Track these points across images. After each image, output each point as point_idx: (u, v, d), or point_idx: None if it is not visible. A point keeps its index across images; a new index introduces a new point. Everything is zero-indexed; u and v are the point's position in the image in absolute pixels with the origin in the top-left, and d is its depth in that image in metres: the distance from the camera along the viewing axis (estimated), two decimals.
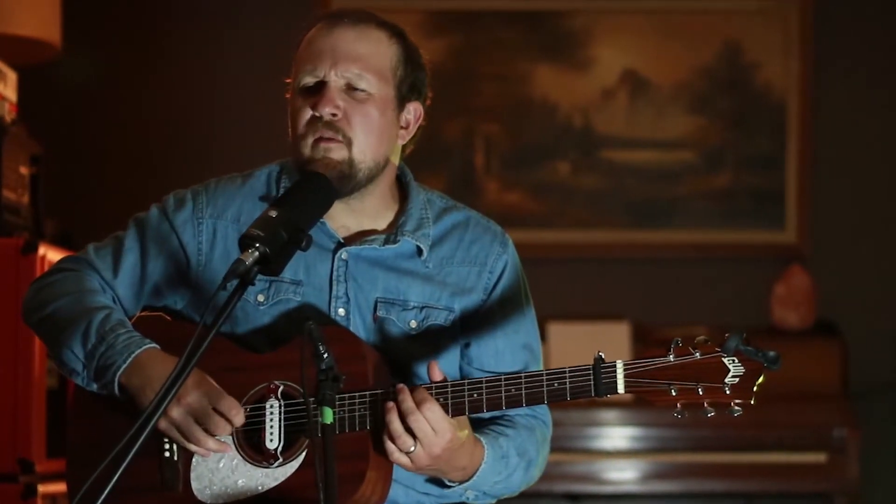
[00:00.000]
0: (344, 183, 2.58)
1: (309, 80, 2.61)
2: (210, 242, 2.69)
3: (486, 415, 2.61)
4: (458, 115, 5.85)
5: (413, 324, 2.64)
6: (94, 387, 2.59)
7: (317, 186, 2.53)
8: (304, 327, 2.28)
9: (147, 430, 2.21)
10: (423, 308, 2.65)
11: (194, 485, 2.54)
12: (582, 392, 2.45)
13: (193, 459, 2.54)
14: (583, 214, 5.90)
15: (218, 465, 2.53)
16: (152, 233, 2.71)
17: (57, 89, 5.67)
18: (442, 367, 2.52)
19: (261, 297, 2.63)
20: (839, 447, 5.27)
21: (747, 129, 5.89)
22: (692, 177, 5.89)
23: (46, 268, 3.84)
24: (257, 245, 2.33)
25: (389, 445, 2.43)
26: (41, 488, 3.93)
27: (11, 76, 4.33)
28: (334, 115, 2.57)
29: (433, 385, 2.47)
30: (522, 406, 2.50)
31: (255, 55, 5.68)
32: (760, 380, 2.39)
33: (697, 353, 2.41)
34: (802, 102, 5.83)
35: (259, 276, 2.36)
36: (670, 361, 2.42)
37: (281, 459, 2.50)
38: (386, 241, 2.65)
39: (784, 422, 5.27)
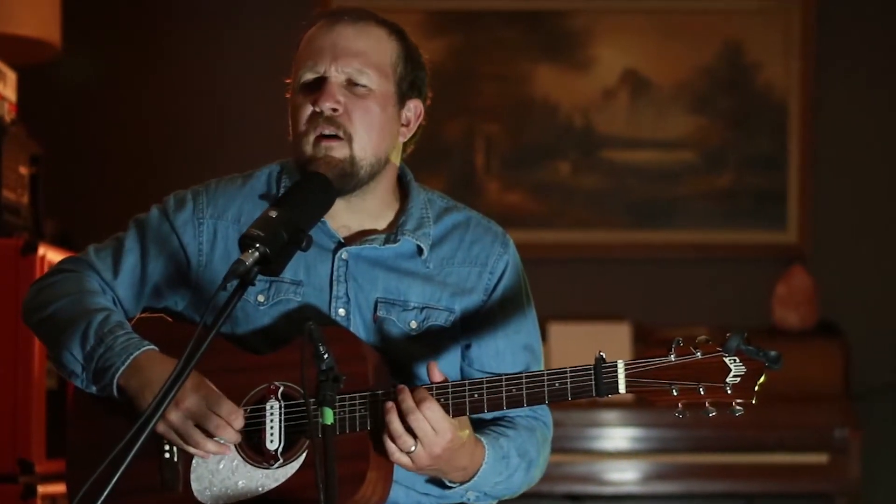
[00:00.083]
0: (346, 181, 2.58)
1: (309, 76, 2.61)
2: (210, 243, 2.68)
3: (488, 415, 2.61)
4: (458, 115, 5.85)
5: (413, 324, 2.64)
6: (94, 389, 2.59)
7: (317, 186, 2.53)
8: (305, 328, 2.28)
9: (146, 432, 2.20)
10: (423, 308, 2.65)
11: (194, 486, 2.54)
12: (583, 392, 2.45)
13: (193, 460, 2.54)
14: (583, 214, 5.90)
15: (218, 467, 2.53)
16: (153, 233, 2.71)
17: (57, 89, 5.67)
18: (442, 368, 2.52)
19: (261, 298, 2.63)
20: (840, 448, 5.26)
21: (748, 129, 5.89)
22: (693, 177, 5.89)
23: (46, 268, 3.87)
24: (257, 245, 2.33)
25: (390, 445, 2.43)
26: (41, 489, 3.93)
27: (11, 76, 4.33)
28: (335, 109, 2.57)
29: (434, 386, 2.47)
30: (523, 406, 2.49)
31: (255, 55, 5.68)
32: (762, 379, 2.39)
33: (699, 353, 2.41)
34: (803, 102, 5.82)
35: (259, 277, 2.36)
36: (671, 361, 2.41)
37: (281, 460, 2.50)
38: (386, 241, 2.65)
39: (785, 422, 5.26)
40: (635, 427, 5.33)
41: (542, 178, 5.89)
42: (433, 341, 2.65)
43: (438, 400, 2.44)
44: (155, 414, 2.23)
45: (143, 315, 2.71)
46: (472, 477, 2.55)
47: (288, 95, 2.67)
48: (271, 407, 2.51)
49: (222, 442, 2.50)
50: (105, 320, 2.58)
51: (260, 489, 2.50)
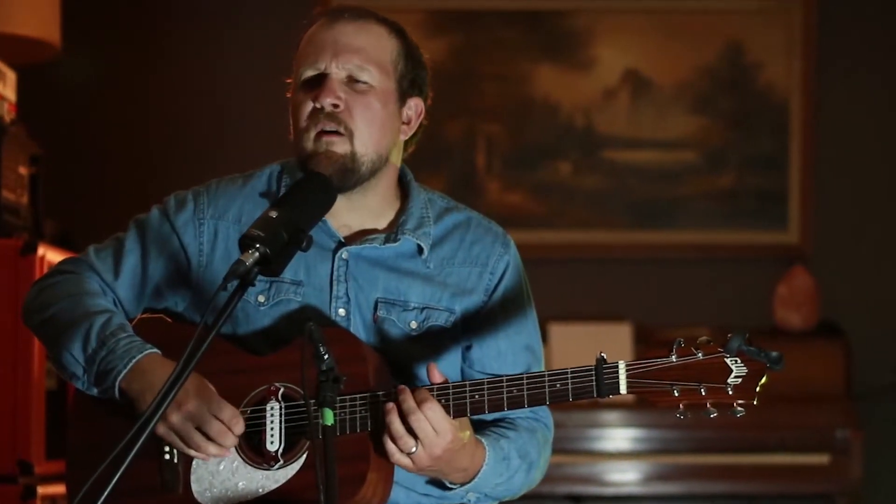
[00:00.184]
0: (347, 177, 2.58)
1: (310, 73, 2.61)
2: (211, 243, 2.68)
3: (488, 416, 2.61)
4: (459, 115, 5.85)
5: (413, 325, 2.64)
6: (95, 391, 2.58)
7: (317, 186, 2.53)
8: (305, 328, 2.27)
9: (146, 432, 2.20)
10: (423, 309, 2.64)
11: (194, 487, 2.54)
12: (584, 393, 2.45)
13: (193, 462, 2.54)
14: (584, 215, 5.89)
15: (218, 468, 2.53)
16: (153, 234, 2.71)
17: (56, 89, 5.66)
18: (443, 369, 2.51)
19: (261, 298, 2.63)
20: (842, 448, 5.26)
21: (749, 130, 5.88)
22: (694, 177, 5.88)
23: (46, 269, 3.87)
24: (258, 246, 2.33)
25: (390, 446, 2.43)
26: (40, 490, 3.93)
27: (11, 76, 4.33)
28: (336, 105, 2.57)
29: (434, 386, 2.47)
30: (524, 407, 2.49)
31: (255, 55, 5.68)
32: (763, 380, 2.39)
33: (700, 354, 2.40)
34: (805, 102, 5.82)
35: (259, 277, 2.35)
36: (673, 362, 2.41)
37: (281, 461, 2.50)
38: (386, 240, 2.65)
39: (786, 423, 5.26)
40: (636, 428, 5.33)
41: (542, 178, 5.89)
42: (433, 342, 2.64)
43: (439, 401, 2.43)
44: (155, 414, 2.22)
45: (143, 316, 2.71)
46: (473, 478, 2.55)
47: (289, 95, 2.66)
48: (271, 408, 2.51)
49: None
50: (107, 323, 2.58)
51: (260, 490, 2.50)
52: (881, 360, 5.72)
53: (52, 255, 4.00)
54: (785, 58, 5.84)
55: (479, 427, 2.60)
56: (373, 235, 2.65)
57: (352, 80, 2.60)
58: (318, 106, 2.58)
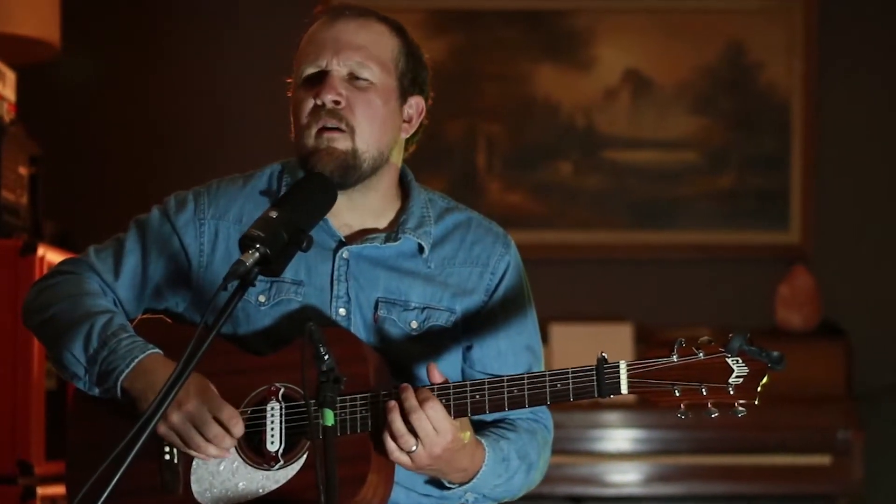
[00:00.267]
0: (348, 173, 2.58)
1: (311, 70, 2.61)
2: (212, 243, 2.68)
3: (489, 417, 2.60)
4: (459, 114, 5.84)
5: (414, 324, 2.63)
6: (96, 391, 2.58)
7: (318, 186, 2.53)
8: (305, 329, 2.27)
9: (146, 432, 2.20)
10: (424, 309, 2.64)
11: (194, 487, 2.53)
12: (585, 392, 2.44)
13: (194, 462, 2.54)
14: (585, 215, 5.89)
15: (218, 468, 2.52)
16: (153, 234, 2.71)
17: (56, 89, 5.66)
18: (443, 370, 2.51)
19: (262, 298, 2.62)
20: (843, 449, 5.26)
21: (750, 129, 5.88)
22: (695, 177, 5.88)
23: (45, 269, 3.87)
24: (258, 246, 2.33)
25: (390, 444, 2.42)
26: (40, 490, 3.93)
27: (10, 76, 4.33)
28: (337, 102, 2.57)
29: (435, 386, 2.46)
30: (525, 407, 2.49)
31: (255, 55, 5.68)
32: (764, 380, 2.39)
33: (701, 354, 2.40)
34: (806, 102, 5.82)
35: (260, 277, 2.35)
36: (674, 362, 2.41)
37: (282, 462, 2.49)
38: (387, 239, 2.64)
39: (788, 424, 5.26)
40: (637, 428, 5.33)
41: (543, 178, 5.89)
42: (434, 342, 2.64)
43: (440, 400, 2.43)
44: (156, 414, 2.22)
45: (143, 316, 2.71)
46: (472, 478, 2.54)
47: (289, 94, 2.66)
48: (272, 408, 2.51)
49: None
50: (108, 323, 2.58)
51: (260, 491, 2.49)
52: (882, 360, 5.72)
53: (51, 256, 4.00)
54: (786, 57, 5.84)
55: (479, 428, 2.60)
56: (373, 235, 2.65)
57: (353, 77, 2.59)
58: (319, 103, 2.57)
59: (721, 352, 2.39)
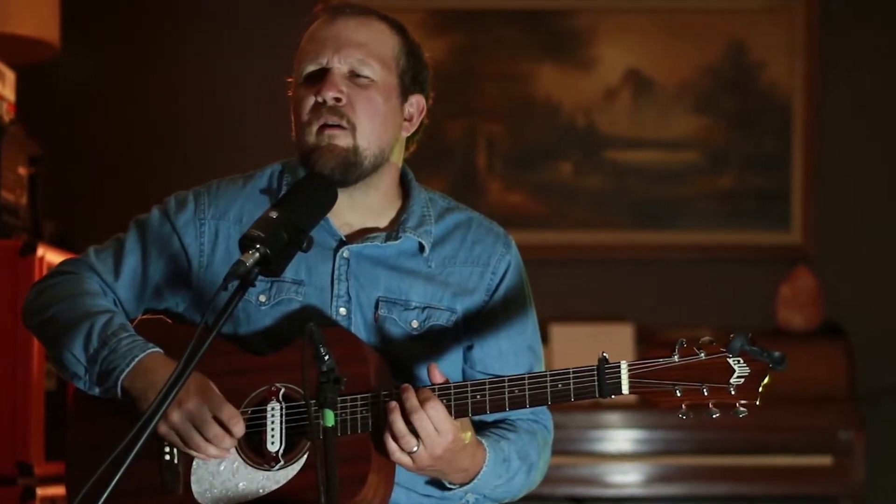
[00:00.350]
0: (349, 171, 2.58)
1: (312, 68, 2.61)
2: (212, 244, 2.68)
3: (490, 417, 2.60)
4: (460, 114, 5.84)
5: (415, 324, 2.63)
6: (97, 391, 2.58)
7: (318, 186, 2.53)
8: (305, 329, 2.27)
9: (147, 432, 2.20)
10: (424, 308, 2.64)
11: (195, 488, 2.53)
12: (586, 393, 2.44)
13: (194, 462, 2.53)
14: (586, 215, 5.89)
15: (219, 468, 2.52)
16: (153, 234, 2.70)
17: (56, 89, 5.66)
18: (444, 370, 2.51)
19: (262, 298, 2.62)
20: (845, 450, 5.25)
21: (752, 129, 5.88)
22: (696, 177, 5.88)
23: (45, 269, 3.87)
24: (258, 246, 2.33)
25: (391, 444, 2.42)
26: (40, 491, 3.93)
27: (10, 76, 4.32)
28: (338, 99, 2.57)
29: (436, 386, 2.46)
30: (526, 407, 2.49)
31: (255, 55, 5.68)
32: (766, 380, 2.39)
33: (702, 354, 2.40)
34: (807, 102, 5.82)
35: (260, 277, 2.35)
36: (675, 362, 2.41)
37: (282, 462, 2.49)
38: (388, 238, 2.64)
39: (789, 424, 5.26)
40: (638, 429, 5.33)
41: (544, 178, 5.89)
42: (434, 342, 2.64)
43: (441, 401, 2.42)
44: (156, 413, 2.22)
45: (143, 317, 2.71)
46: (473, 479, 2.54)
47: (290, 93, 2.66)
48: (272, 408, 2.50)
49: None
50: (108, 322, 2.58)
51: (261, 491, 2.49)
52: (884, 361, 5.71)
53: (51, 256, 4.00)
54: (787, 57, 5.84)
55: (480, 428, 2.60)
56: (374, 234, 2.65)
57: (354, 75, 2.60)
58: (320, 100, 2.57)
59: (722, 352, 2.39)
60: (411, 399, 2.41)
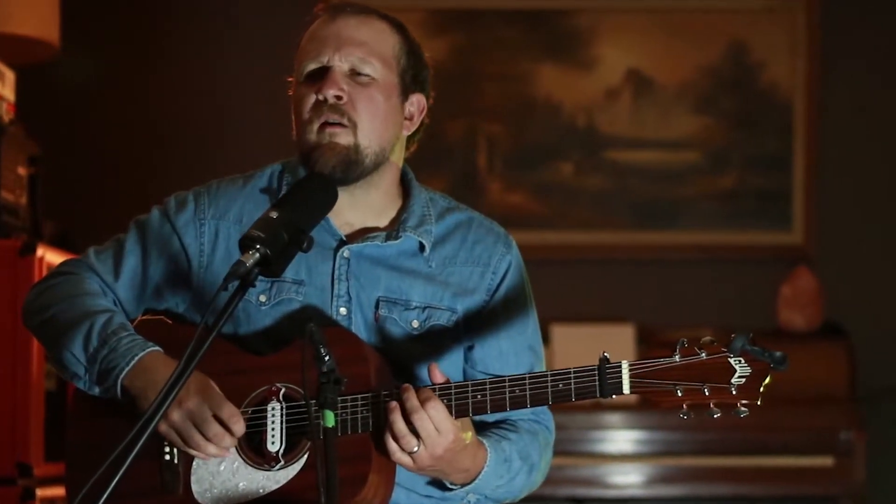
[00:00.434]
0: (350, 169, 2.58)
1: (313, 66, 2.61)
2: (212, 244, 2.68)
3: (490, 417, 2.60)
4: (460, 114, 5.84)
5: (415, 324, 2.63)
6: (97, 390, 2.58)
7: (318, 186, 2.53)
8: (305, 329, 2.26)
9: (147, 432, 2.19)
10: (425, 308, 2.64)
11: (195, 488, 2.53)
12: (587, 392, 2.44)
13: (194, 462, 2.53)
14: (586, 215, 5.89)
15: (219, 468, 2.52)
16: (153, 235, 2.70)
17: (55, 89, 5.66)
18: (444, 370, 2.51)
19: (263, 298, 2.62)
20: (846, 450, 5.25)
21: (753, 129, 5.88)
22: (697, 177, 5.88)
23: (45, 270, 3.87)
24: (258, 246, 2.33)
25: (392, 444, 2.42)
26: (39, 492, 3.93)
27: (10, 76, 4.32)
28: (339, 97, 2.57)
29: (437, 386, 2.46)
30: (527, 407, 2.48)
31: (255, 55, 5.68)
32: (767, 380, 2.39)
33: (703, 354, 2.40)
34: (808, 102, 5.82)
35: (260, 277, 2.35)
36: (676, 362, 2.40)
37: (282, 462, 2.49)
38: (388, 238, 2.64)
39: (790, 425, 5.26)
40: (639, 430, 5.32)
41: (544, 178, 5.88)
42: (435, 341, 2.64)
43: (441, 401, 2.42)
44: (157, 413, 2.21)
45: (144, 317, 2.71)
46: (474, 479, 2.54)
47: (290, 92, 2.66)
48: (272, 408, 2.50)
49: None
50: (108, 322, 2.58)
51: (261, 491, 2.49)
52: (885, 361, 5.71)
53: (51, 256, 4.00)
54: (788, 57, 5.83)
55: (481, 429, 2.60)
56: (374, 233, 2.65)
57: (354, 73, 2.60)
58: (321, 98, 2.57)
59: (723, 352, 2.39)
60: (412, 399, 2.41)
